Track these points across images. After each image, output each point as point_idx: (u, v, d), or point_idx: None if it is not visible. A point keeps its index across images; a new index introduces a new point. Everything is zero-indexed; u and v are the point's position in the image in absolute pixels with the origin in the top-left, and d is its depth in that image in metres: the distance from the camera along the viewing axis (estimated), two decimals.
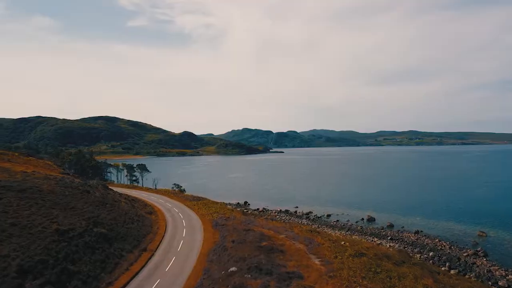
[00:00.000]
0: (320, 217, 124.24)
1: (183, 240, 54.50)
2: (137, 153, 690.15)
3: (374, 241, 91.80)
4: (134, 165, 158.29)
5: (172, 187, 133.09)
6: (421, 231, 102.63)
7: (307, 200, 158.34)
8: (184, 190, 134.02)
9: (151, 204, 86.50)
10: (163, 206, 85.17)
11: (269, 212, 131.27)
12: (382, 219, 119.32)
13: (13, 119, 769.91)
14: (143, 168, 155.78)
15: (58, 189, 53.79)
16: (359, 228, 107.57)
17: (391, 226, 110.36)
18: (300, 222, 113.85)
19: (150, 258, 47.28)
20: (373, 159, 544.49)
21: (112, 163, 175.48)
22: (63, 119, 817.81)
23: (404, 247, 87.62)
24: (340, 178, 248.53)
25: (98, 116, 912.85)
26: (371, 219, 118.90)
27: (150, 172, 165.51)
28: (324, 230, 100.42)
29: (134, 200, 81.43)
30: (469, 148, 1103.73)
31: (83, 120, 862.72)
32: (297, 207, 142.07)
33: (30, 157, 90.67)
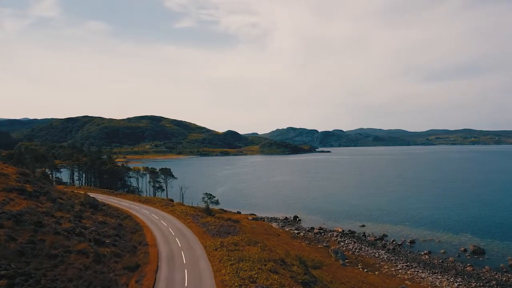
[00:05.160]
0: (401, 244, 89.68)
1: None
2: (180, 153, 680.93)
3: None
4: (157, 169, 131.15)
5: (203, 198, 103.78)
6: None
7: (374, 215, 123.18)
8: (217, 202, 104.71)
9: (150, 241, 53.53)
10: (167, 246, 51.87)
11: (328, 234, 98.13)
12: (495, 251, 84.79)
13: (62, 119, 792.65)
14: (167, 173, 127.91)
15: None
16: (469, 269, 71.72)
17: None
18: (377, 255, 79.46)
19: None
20: (431, 159, 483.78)
21: (131, 167, 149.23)
22: (109, 118, 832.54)
23: None
24: (405, 184, 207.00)
25: (143, 116, 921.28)
26: (478, 252, 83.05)
27: (177, 178, 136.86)
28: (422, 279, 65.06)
29: (119, 235, 50.43)
30: None
31: (128, 119, 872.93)
32: (363, 225, 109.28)
33: None
